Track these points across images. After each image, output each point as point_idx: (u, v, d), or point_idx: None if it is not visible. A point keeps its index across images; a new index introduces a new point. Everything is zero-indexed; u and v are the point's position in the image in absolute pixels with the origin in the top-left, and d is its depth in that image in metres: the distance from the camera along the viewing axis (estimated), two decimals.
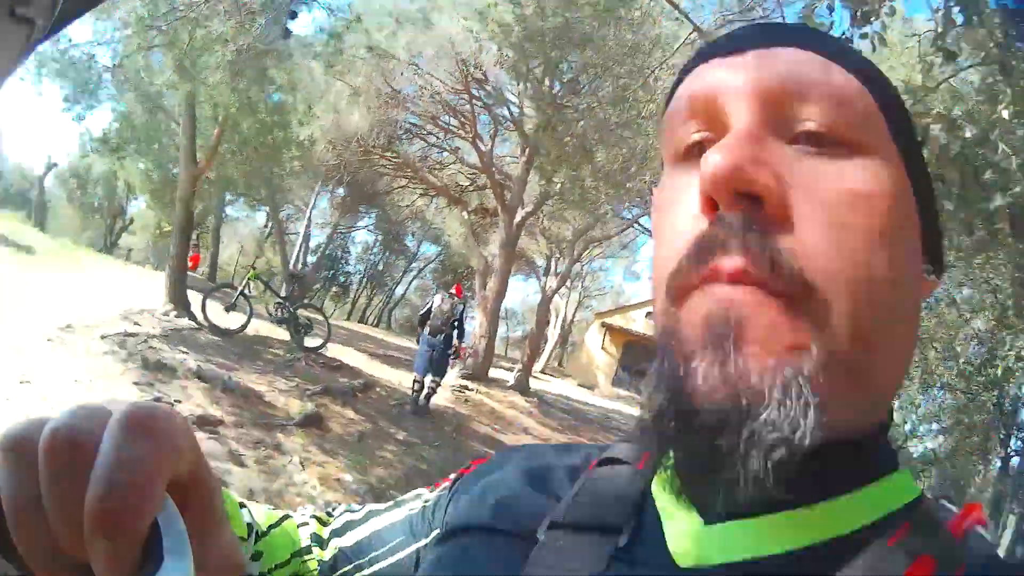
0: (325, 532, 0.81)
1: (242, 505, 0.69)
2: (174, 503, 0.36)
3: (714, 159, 0.44)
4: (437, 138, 17.72)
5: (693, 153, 0.51)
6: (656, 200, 0.56)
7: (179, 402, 6.34)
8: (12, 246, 14.19)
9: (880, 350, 0.45)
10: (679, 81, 0.55)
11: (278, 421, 7.05)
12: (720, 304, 0.43)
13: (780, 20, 9.30)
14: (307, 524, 0.81)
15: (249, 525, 0.68)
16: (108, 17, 10.91)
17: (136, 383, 6.40)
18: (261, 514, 0.74)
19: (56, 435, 0.35)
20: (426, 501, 0.76)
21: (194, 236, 18.31)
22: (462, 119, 15.41)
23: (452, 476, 0.75)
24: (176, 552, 0.33)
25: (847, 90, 0.48)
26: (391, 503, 0.80)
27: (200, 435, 5.74)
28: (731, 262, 0.43)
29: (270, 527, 0.73)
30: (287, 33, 8.97)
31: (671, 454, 0.53)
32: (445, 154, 18.41)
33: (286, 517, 0.78)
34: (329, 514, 0.85)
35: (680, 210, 0.50)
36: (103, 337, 7.48)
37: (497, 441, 10.08)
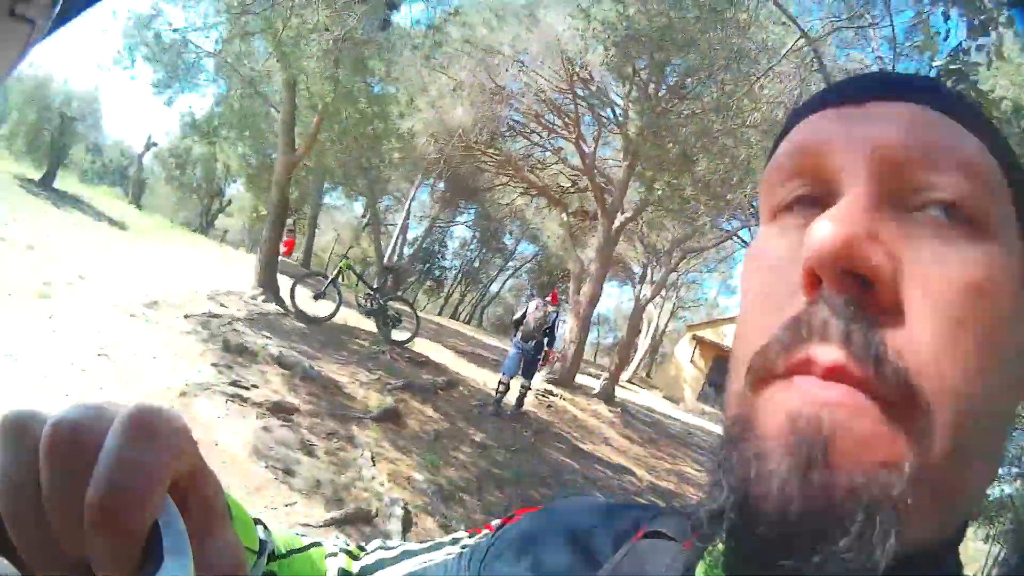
0: (355, 567, 0.78)
1: (258, 522, 0.65)
2: (174, 503, 0.36)
3: (823, 229, 0.39)
4: (540, 137, 17.70)
5: (796, 211, 0.46)
6: (749, 253, 0.50)
7: (256, 387, 6.34)
8: (106, 220, 14.76)
9: (975, 465, 0.40)
10: (784, 133, 0.50)
11: (354, 413, 6.99)
12: (812, 405, 0.37)
13: (889, 28, 8.83)
14: (336, 555, 0.78)
15: (264, 542, 0.63)
16: (198, 2, 11.19)
17: (214, 364, 6.44)
18: (286, 537, 0.72)
19: (58, 430, 0.35)
20: (464, 547, 0.73)
21: (290, 222, 18.79)
22: (566, 119, 15.26)
23: (495, 523, 0.73)
24: (176, 552, 0.34)
25: (977, 160, 0.43)
26: (428, 544, 0.78)
27: (274, 422, 5.72)
28: (829, 355, 0.38)
29: (292, 551, 0.71)
30: (386, 24, 9.00)
31: (719, 545, 0.48)
32: (547, 154, 18.38)
33: (315, 545, 0.76)
34: (362, 548, 0.82)
35: (776, 278, 0.45)
36: (187, 316, 7.61)
37: (576, 449, 9.89)
